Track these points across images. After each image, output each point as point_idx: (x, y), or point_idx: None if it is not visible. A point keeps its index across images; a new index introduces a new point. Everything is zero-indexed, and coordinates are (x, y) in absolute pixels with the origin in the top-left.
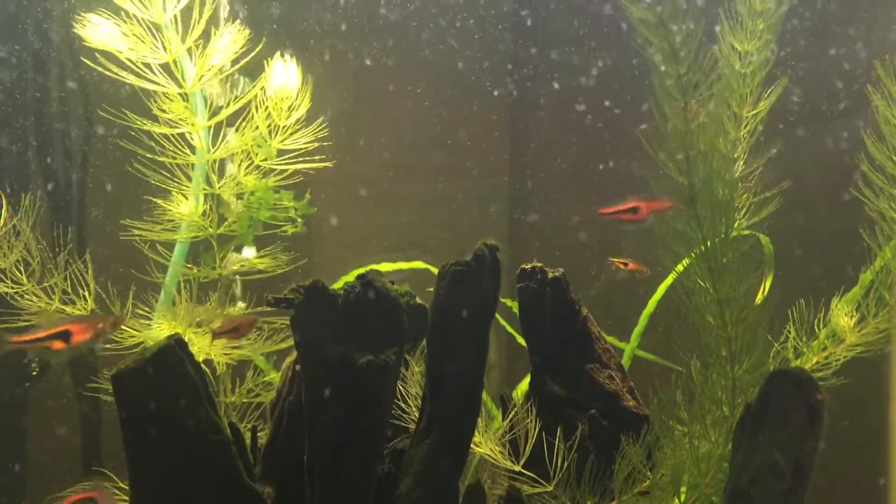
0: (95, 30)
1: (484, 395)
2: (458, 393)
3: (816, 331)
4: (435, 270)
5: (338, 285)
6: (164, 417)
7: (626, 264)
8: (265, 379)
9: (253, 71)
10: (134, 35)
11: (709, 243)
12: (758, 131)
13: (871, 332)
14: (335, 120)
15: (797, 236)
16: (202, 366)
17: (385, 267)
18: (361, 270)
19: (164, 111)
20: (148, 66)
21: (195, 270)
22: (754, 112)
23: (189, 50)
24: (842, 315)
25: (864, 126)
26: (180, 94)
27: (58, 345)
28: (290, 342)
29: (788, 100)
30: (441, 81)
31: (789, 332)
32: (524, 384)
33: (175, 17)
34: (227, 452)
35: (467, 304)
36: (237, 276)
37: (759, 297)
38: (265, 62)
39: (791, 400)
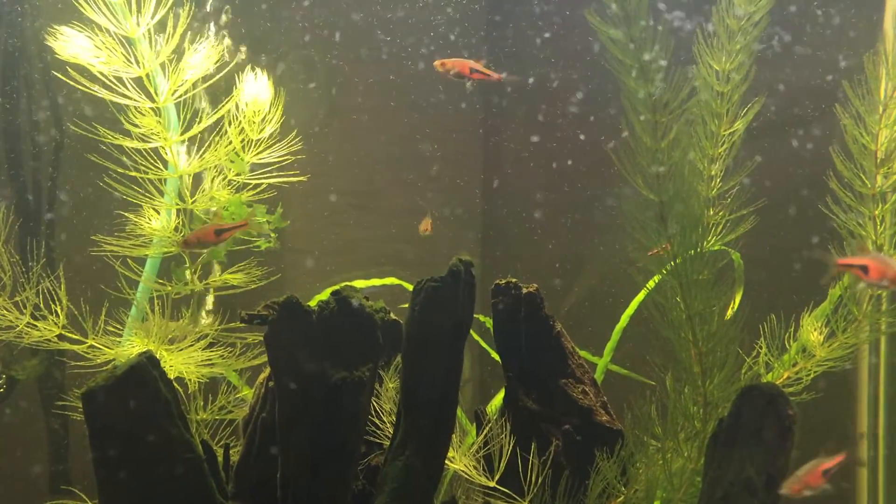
0: (68, 42)
1: (458, 411)
2: (432, 409)
3: (787, 346)
4: (409, 286)
5: (312, 302)
6: (135, 436)
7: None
8: (238, 395)
9: (228, 85)
10: (107, 49)
11: (679, 260)
12: (735, 148)
13: (840, 347)
14: (307, 134)
15: (766, 251)
16: (174, 383)
17: (359, 283)
18: (336, 287)
19: (136, 126)
20: (120, 80)
21: (168, 287)
22: (731, 130)
23: (162, 65)
24: (811, 330)
25: (832, 145)
26: (153, 109)
27: None
28: (264, 358)
29: (761, 115)
30: (413, 96)
31: (760, 348)
32: (497, 399)
33: (149, 30)
34: (198, 470)
35: (442, 320)
36: (209, 292)
37: (729, 313)
38: (236, 76)
39: (763, 415)
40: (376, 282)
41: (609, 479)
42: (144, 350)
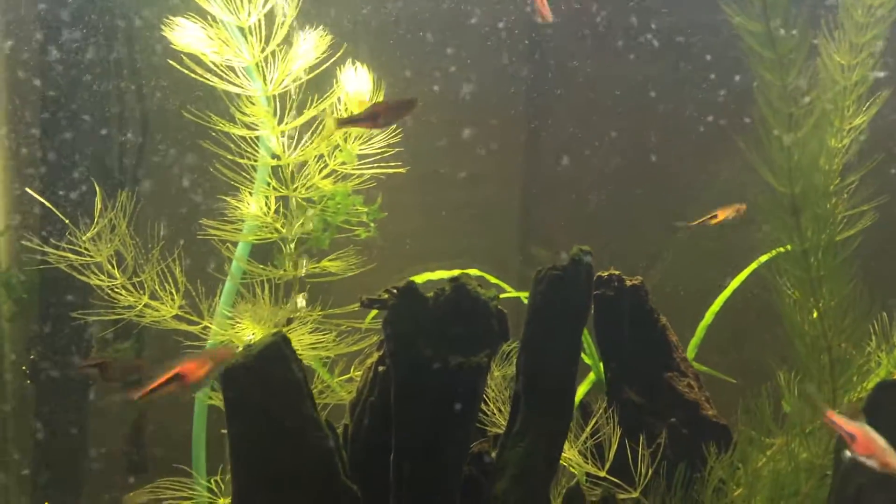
0: (183, 33)
1: None
2: (553, 396)
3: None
4: (490, 278)
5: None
6: (270, 413)
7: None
8: (339, 379)
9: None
10: (219, 39)
11: (811, 256)
12: (859, 142)
13: None
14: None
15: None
16: (303, 363)
17: (440, 274)
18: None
19: (245, 114)
20: (231, 68)
21: (270, 271)
22: (854, 125)
23: (272, 54)
24: None
25: None
26: (263, 98)
27: (175, 388)
28: (364, 344)
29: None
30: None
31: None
32: (581, 389)
33: (258, 20)
34: (327, 449)
35: (564, 308)
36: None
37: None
38: (338, 69)
39: None
40: (457, 272)
41: (723, 474)
42: (276, 331)
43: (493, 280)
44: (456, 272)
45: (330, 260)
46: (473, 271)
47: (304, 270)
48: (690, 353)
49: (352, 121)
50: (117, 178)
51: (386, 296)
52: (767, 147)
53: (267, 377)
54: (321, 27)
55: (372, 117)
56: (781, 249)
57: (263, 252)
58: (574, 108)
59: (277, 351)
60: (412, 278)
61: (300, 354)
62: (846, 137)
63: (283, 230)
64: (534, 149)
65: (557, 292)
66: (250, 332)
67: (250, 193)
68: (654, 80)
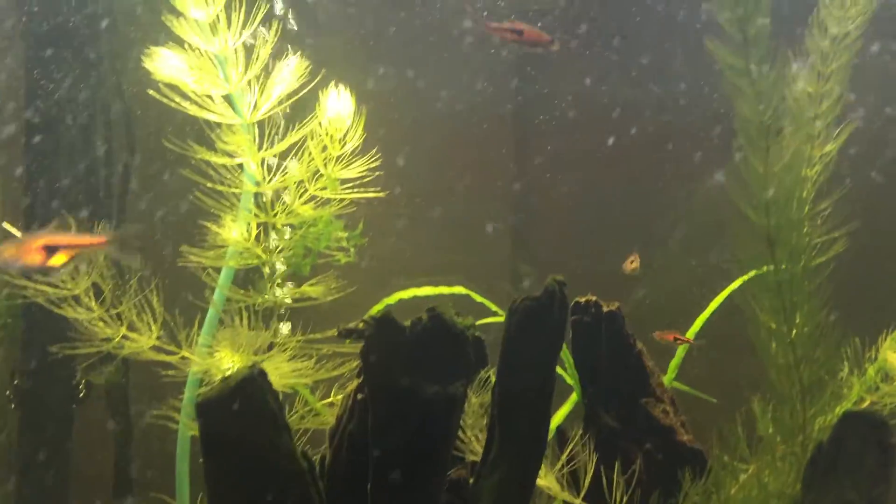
0: (163, 63)
1: None
2: (527, 426)
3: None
4: (475, 296)
5: (378, 307)
6: (245, 445)
7: (674, 338)
8: (318, 405)
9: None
10: (199, 68)
11: (783, 284)
12: (827, 170)
13: None
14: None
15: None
16: (278, 394)
17: (426, 291)
18: (403, 294)
19: (224, 142)
20: (208, 97)
21: (250, 298)
22: (824, 152)
23: (249, 82)
24: (891, 353)
25: None
26: (240, 125)
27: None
28: (344, 369)
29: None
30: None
31: (842, 370)
32: (559, 415)
33: (236, 49)
34: (302, 480)
35: (537, 339)
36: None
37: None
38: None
39: (865, 442)
40: (444, 290)
41: (697, 500)
42: (252, 363)
43: (478, 299)
44: (443, 289)
45: (311, 285)
46: (460, 289)
47: (288, 298)
48: (670, 374)
49: (499, 28)
50: (104, 205)
51: (362, 325)
52: (746, 178)
53: (242, 410)
54: (303, 51)
55: (518, 31)
56: (753, 274)
57: (242, 278)
58: (565, 125)
59: (253, 384)
60: (399, 294)
61: (283, 381)
62: (818, 164)
63: (265, 256)
64: (525, 165)
65: (531, 323)
66: (229, 361)
67: (233, 220)
68: (643, 100)
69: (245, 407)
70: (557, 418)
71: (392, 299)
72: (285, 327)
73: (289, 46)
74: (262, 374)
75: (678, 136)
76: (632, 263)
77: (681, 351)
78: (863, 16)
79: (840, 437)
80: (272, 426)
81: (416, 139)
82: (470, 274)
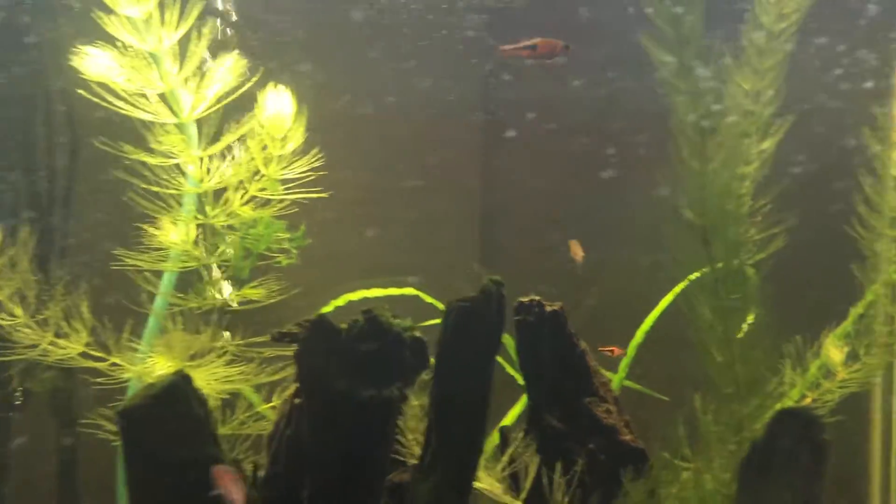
0: (93, 61)
1: None
2: (463, 429)
3: (810, 366)
4: (426, 297)
5: (326, 309)
6: (170, 453)
7: (612, 351)
8: (258, 410)
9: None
10: (131, 66)
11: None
12: (765, 166)
13: (862, 368)
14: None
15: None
16: (206, 401)
17: (375, 292)
18: (351, 296)
19: (159, 142)
20: (143, 96)
21: (188, 301)
22: (762, 149)
23: (185, 80)
24: (833, 350)
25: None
26: (175, 125)
27: None
28: (284, 374)
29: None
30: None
31: (783, 368)
32: (510, 416)
33: (172, 47)
34: None
35: (473, 340)
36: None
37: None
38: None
39: (798, 440)
40: (394, 291)
41: (638, 500)
42: (178, 369)
43: (428, 300)
44: (393, 290)
45: (252, 287)
46: (409, 290)
47: (234, 301)
48: (621, 373)
49: (514, 48)
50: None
51: (297, 329)
52: (683, 177)
53: (165, 418)
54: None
55: (531, 47)
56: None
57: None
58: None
59: (177, 390)
60: (348, 296)
61: (220, 386)
62: (755, 161)
63: (204, 259)
64: (491, 163)
65: (467, 323)
66: (163, 366)
67: (172, 222)
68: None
69: (168, 414)
70: (508, 419)
71: (341, 301)
72: (225, 331)
73: (235, 42)
74: (188, 380)
75: (645, 135)
76: (577, 252)
77: (632, 349)
78: (797, 12)
79: (773, 435)
80: (198, 433)
81: (378, 138)
82: (431, 275)
